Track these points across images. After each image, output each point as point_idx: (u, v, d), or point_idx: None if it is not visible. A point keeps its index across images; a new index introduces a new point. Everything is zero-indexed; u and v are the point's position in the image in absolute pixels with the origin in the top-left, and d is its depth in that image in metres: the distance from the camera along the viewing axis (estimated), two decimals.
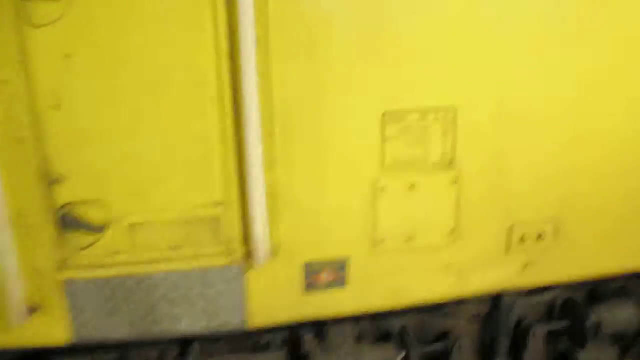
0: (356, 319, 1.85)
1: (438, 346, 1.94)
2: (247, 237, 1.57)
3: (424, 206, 1.71)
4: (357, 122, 1.58)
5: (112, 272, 1.51)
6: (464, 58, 1.62)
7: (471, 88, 1.65)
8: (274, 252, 1.60)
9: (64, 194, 1.46)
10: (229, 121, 1.48)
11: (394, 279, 1.78)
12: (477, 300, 1.95)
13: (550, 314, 2.07)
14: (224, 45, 1.43)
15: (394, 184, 1.66)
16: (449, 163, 1.69)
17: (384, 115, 1.59)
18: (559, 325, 2.04)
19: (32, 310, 1.49)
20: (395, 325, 1.93)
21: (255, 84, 1.42)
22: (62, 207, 1.46)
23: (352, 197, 1.65)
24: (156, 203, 1.50)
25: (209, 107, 1.47)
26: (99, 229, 1.49)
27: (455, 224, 1.76)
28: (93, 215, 1.48)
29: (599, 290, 2.08)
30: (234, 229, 1.56)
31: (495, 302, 1.97)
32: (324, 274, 1.72)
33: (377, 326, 1.93)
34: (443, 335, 1.97)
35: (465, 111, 1.65)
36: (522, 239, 1.83)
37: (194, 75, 1.44)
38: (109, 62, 1.40)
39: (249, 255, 1.57)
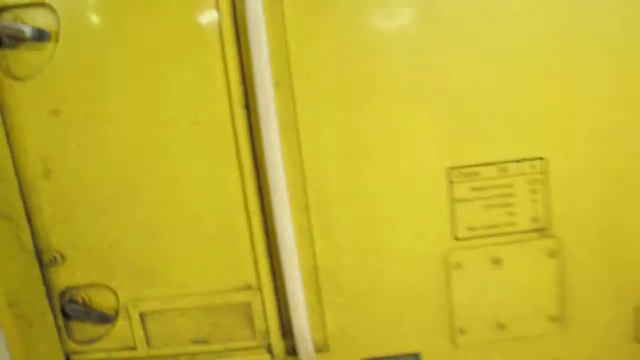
0: None
1: None
2: (286, 329, 1.29)
3: (515, 285, 1.32)
4: (412, 181, 1.27)
5: None
6: (555, 93, 1.27)
7: (567, 131, 1.28)
8: (322, 347, 1.30)
9: (64, 278, 1.26)
10: (251, 187, 1.24)
11: None
12: None
13: None
14: (237, 93, 1.21)
15: (472, 258, 1.30)
16: (543, 230, 1.32)
17: (448, 171, 1.28)
18: None
19: None
20: None
21: (278, 139, 1.18)
22: (62, 293, 1.27)
23: (418, 277, 1.31)
24: (172, 287, 1.27)
25: (225, 170, 1.24)
26: (108, 318, 1.28)
27: (559, 306, 1.34)
28: (100, 302, 1.27)
29: None
30: (270, 319, 1.28)
31: None
32: None
33: None
34: None
35: (558, 161, 1.29)
36: None
37: (204, 132, 1.23)
38: (103, 118, 1.22)
39: (290, 351, 1.29)
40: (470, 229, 1.33)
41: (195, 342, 1.30)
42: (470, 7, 1.22)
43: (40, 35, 1.19)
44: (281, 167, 1.21)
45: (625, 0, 1.23)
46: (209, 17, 1.20)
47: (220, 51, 1.20)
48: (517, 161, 1.29)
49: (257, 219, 1.25)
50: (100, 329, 1.30)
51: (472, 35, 1.23)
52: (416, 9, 1.22)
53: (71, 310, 1.28)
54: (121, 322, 1.29)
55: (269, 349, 1.29)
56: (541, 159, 1.29)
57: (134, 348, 1.29)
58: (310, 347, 1.26)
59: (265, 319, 1.28)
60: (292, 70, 1.21)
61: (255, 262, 1.26)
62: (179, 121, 1.22)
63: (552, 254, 1.34)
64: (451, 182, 1.30)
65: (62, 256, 1.27)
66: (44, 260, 1.27)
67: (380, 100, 1.25)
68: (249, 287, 1.28)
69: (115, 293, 1.28)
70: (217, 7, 1.19)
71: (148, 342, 1.29)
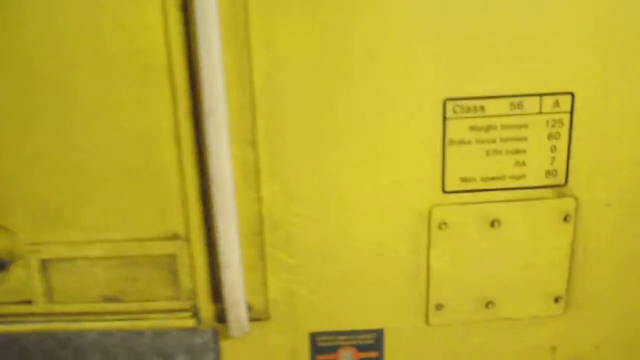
0: None
1: None
2: (218, 290, 1.01)
3: (513, 254, 1.05)
4: (394, 112, 0.96)
5: (22, 327, 1.01)
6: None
7: (607, 59, 0.96)
8: (260, 315, 1.03)
9: None
10: (184, 109, 0.92)
11: None
12: None
13: None
14: None
15: (462, 217, 1.02)
16: (559, 187, 1.03)
17: (445, 103, 0.96)
18: None
19: None
20: None
21: (218, 45, 0.85)
22: None
23: (390, 236, 1.02)
24: (81, 231, 0.99)
25: (153, 88, 0.92)
26: (2, 265, 1.02)
27: (565, 284, 1.08)
28: None
29: None
30: (199, 276, 1.00)
31: None
32: (344, 352, 1.16)
33: None
34: None
35: (590, 100, 0.97)
36: None
37: (128, 38, 0.89)
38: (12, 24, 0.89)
39: (222, 317, 1.01)
40: (464, 179, 1.02)
41: (106, 299, 1.03)
42: None
43: None
44: (220, 83, 0.89)
45: None
46: None
47: None
48: (538, 95, 0.99)
49: (189, 150, 0.94)
50: None
51: None
52: None
53: None
54: (17, 270, 1.01)
55: (195, 313, 1.03)
56: (570, 94, 0.99)
57: (29, 302, 1.03)
58: (243, 313, 0.99)
59: (193, 277, 1.01)
60: None
61: (185, 206, 0.97)
62: (96, 24, 0.89)
63: (567, 218, 1.06)
64: (446, 118, 1.02)
65: None
66: None
67: (364, 4, 0.91)
68: (175, 236, 1.00)
69: (11, 234, 1.00)
70: None
71: (49, 296, 1.03)
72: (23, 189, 0.98)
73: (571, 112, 1.00)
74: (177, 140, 0.95)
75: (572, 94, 0.99)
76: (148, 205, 0.99)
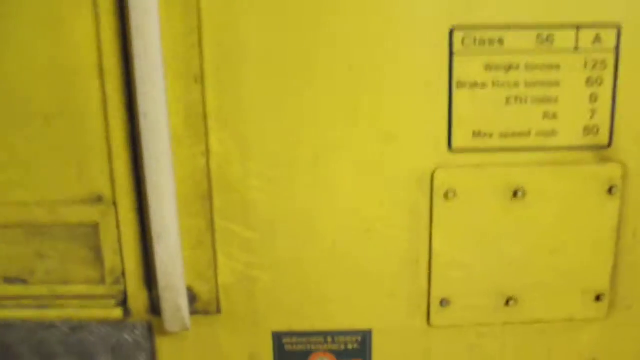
0: None
1: None
2: (153, 271, 0.79)
3: (541, 236, 0.81)
4: (387, 45, 0.74)
5: None
6: None
7: None
8: (207, 307, 0.81)
9: None
10: (109, 32, 0.71)
11: None
12: None
13: None
14: None
15: (474, 184, 0.79)
16: (601, 148, 0.81)
17: (452, 33, 0.74)
18: None
19: None
20: None
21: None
22: None
23: (380, 207, 0.80)
24: None
25: (70, 5, 0.72)
26: None
27: (609, 278, 0.84)
28: None
29: None
30: (128, 252, 0.77)
31: None
32: (318, 359, 0.96)
33: None
34: None
35: (639, 33, 0.76)
36: None
37: None
38: None
39: (157, 306, 0.78)
40: (478, 134, 0.80)
41: (8, 280, 0.81)
42: None
43: None
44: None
45: None
46: None
47: None
48: (574, 27, 0.78)
49: (114, 86, 0.74)
50: None
51: None
52: None
53: None
54: None
55: (123, 301, 0.80)
56: (616, 26, 0.78)
57: None
58: (182, 302, 0.76)
59: (121, 253, 0.78)
60: None
61: (110, 159, 0.76)
62: None
63: (612, 189, 0.84)
64: (453, 53, 0.81)
65: None
66: None
67: None
68: (98, 199, 0.78)
69: None
70: None
71: None
72: None
73: (617, 51, 0.79)
74: (100, 73, 0.75)
75: (619, 27, 0.79)
76: (62, 157, 0.78)
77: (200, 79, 0.75)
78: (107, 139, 0.77)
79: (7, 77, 0.76)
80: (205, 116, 0.76)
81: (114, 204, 0.79)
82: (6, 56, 0.76)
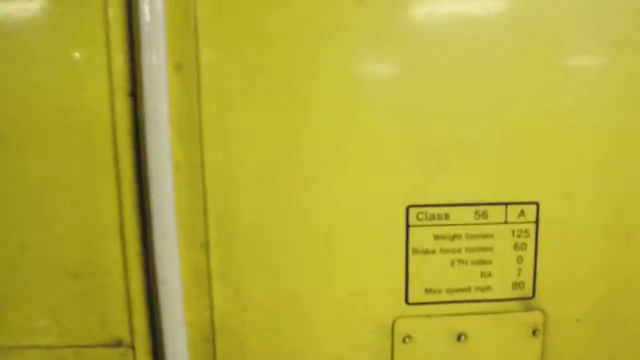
0: None
1: None
2: None
3: None
4: (356, 218, 0.97)
5: None
6: (555, 119, 0.98)
7: (570, 170, 1.00)
8: None
9: None
10: (130, 205, 0.92)
11: None
12: None
13: None
14: (121, 74, 0.88)
15: (427, 330, 1.01)
16: (526, 299, 1.03)
17: (408, 210, 0.98)
18: None
19: None
20: None
21: (167, 139, 0.86)
22: None
23: (350, 351, 1.00)
24: (9, 336, 0.93)
25: (97, 178, 0.92)
26: None
27: None
28: None
29: None
30: None
31: None
32: None
33: None
34: None
35: (556, 210, 1.01)
36: None
37: (72, 122, 0.90)
38: None
39: None
40: (429, 291, 1.03)
41: None
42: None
43: None
44: (169, 180, 0.90)
45: None
46: None
47: (102, 13, 0.90)
48: (503, 204, 1.03)
49: (134, 250, 0.94)
50: None
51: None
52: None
53: None
54: None
55: None
56: (535, 203, 1.02)
57: None
58: None
59: None
60: (199, 49, 0.90)
61: (130, 311, 0.95)
62: (38, 105, 0.91)
63: (535, 332, 1.06)
64: (409, 225, 1.04)
65: None
66: None
67: (320, 100, 0.94)
68: (118, 344, 0.97)
69: None
70: None
71: None
72: None
73: (537, 222, 1.04)
74: (122, 238, 0.95)
75: (538, 204, 1.04)
76: (88, 307, 0.97)
77: (205, 245, 0.96)
78: (127, 294, 0.96)
79: (44, 239, 0.95)
80: (209, 276, 0.97)
81: (132, 347, 0.97)
82: (41, 217, 0.95)
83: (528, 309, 1.06)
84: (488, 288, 1.05)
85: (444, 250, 1.03)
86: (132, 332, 0.97)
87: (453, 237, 1.02)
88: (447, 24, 0.95)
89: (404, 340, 1.03)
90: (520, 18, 0.96)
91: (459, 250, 1.03)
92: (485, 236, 1.03)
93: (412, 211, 1.01)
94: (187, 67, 0.92)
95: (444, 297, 1.03)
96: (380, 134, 0.97)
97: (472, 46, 0.96)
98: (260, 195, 0.96)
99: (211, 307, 0.98)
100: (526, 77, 0.97)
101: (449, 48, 0.95)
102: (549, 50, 0.97)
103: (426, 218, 1.02)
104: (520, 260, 1.05)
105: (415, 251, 1.02)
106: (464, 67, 0.96)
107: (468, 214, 1.02)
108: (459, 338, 1.05)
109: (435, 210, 1.02)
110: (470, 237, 1.03)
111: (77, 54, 0.91)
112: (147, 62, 0.87)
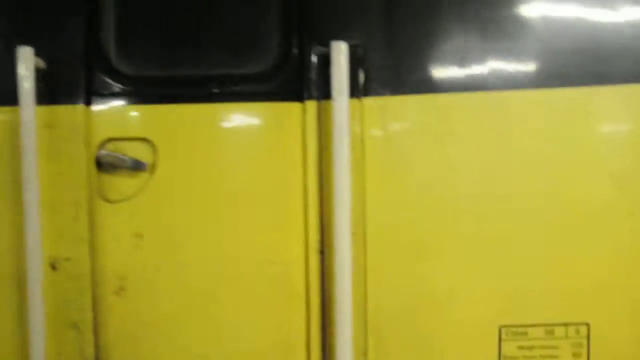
0: None
1: None
2: None
3: None
4: (467, 337, 1.41)
5: None
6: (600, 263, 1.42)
7: (611, 298, 1.43)
8: None
9: None
10: (315, 326, 1.37)
11: None
12: None
13: None
14: (314, 238, 1.37)
15: None
16: None
17: (500, 329, 1.43)
18: None
19: None
20: None
21: (349, 286, 1.32)
22: None
23: None
24: None
25: (292, 307, 1.38)
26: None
27: None
28: None
29: None
30: None
31: None
32: None
33: None
34: None
35: (602, 328, 1.43)
36: None
37: (278, 268, 1.38)
38: (182, 246, 1.39)
39: None
40: None
41: None
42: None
43: (138, 166, 1.38)
44: (349, 309, 1.32)
45: None
46: (293, 168, 1.39)
47: (303, 201, 1.38)
48: (564, 325, 1.45)
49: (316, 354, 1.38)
50: None
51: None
52: (483, 182, 1.40)
53: None
54: None
55: None
56: (586, 324, 1.45)
57: None
58: None
59: None
60: (367, 222, 1.38)
61: None
62: (252, 257, 1.38)
63: None
64: (501, 340, 1.45)
65: None
66: None
67: (445, 257, 1.41)
68: None
69: None
70: (304, 160, 1.38)
71: None
72: None
73: (588, 338, 1.46)
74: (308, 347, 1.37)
75: (588, 325, 1.45)
76: None
77: (365, 353, 1.36)
78: None
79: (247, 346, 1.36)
80: None
81: None
82: (251, 334, 1.37)
83: None
84: None
85: (524, 357, 1.44)
86: None
87: (530, 348, 1.44)
88: None
89: None
90: None
91: (534, 358, 1.45)
92: (552, 347, 1.45)
93: (503, 330, 1.43)
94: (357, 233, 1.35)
95: None
96: (475, 273, 1.41)
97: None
98: (405, 324, 1.38)
99: None
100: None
101: None
102: None
103: (512, 334, 1.44)
104: None
105: (505, 357, 1.44)
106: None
107: (540, 331, 1.45)
108: None
109: (518, 329, 1.44)
110: (542, 347, 1.45)
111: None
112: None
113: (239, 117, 1.43)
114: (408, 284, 1.41)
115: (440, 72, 1.42)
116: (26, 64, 1.32)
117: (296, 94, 1.40)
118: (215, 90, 1.42)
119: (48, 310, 1.34)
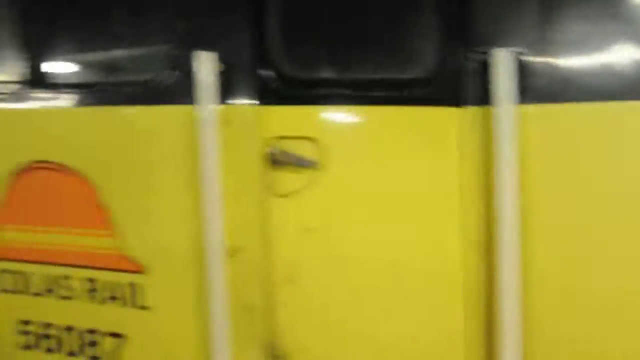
0: None
1: None
2: None
3: None
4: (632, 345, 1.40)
5: None
6: None
7: None
8: None
9: None
10: (476, 322, 1.43)
11: None
12: None
13: None
14: (474, 237, 1.43)
15: None
16: None
17: None
18: None
19: None
20: None
21: (515, 285, 1.37)
22: None
23: None
24: None
25: (453, 304, 1.45)
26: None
27: None
28: None
29: None
30: None
31: None
32: None
33: None
34: None
35: None
36: None
37: (437, 264, 1.46)
38: (351, 240, 1.50)
39: None
40: None
41: None
42: None
43: (305, 163, 1.50)
44: (516, 309, 1.35)
45: None
46: (450, 170, 1.45)
47: (460, 199, 1.44)
48: None
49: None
50: None
51: None
52: None
53: None
54: None
55: None
56: None
57: None
58: None
59: None
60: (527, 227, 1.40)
61: None
62: (413, 254, 1.47)
63: None
64: None
65: (288, 355, 1.52)
66: (272, 354, 1.52)
67: (610, 266, 1.38)
68: None
69: None
70: (461, 162, 1.43)
71: None
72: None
73: None
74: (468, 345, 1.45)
75: None
76: None
77: None
78: None
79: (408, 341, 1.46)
80: None
81: None
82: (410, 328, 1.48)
83: None
84: None
85: None
86: None
87: None
88: None
89: None
90: None
91: None
92: None
93: None
94: None
95: None
96: None
97: None
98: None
99: None
100: None
101: None
102: None
103: None
104: None
105: None
106: None
107: None
108: None
109: None
110: None
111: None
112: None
113: (400, 119, 1.50)
114: (570, 288, 1.41)
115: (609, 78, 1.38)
116: (209, 67, 1.46)
117: (454, 100, 1.46)
118: (379, 94, 1.50)
119: (226, 294, 1.51)
